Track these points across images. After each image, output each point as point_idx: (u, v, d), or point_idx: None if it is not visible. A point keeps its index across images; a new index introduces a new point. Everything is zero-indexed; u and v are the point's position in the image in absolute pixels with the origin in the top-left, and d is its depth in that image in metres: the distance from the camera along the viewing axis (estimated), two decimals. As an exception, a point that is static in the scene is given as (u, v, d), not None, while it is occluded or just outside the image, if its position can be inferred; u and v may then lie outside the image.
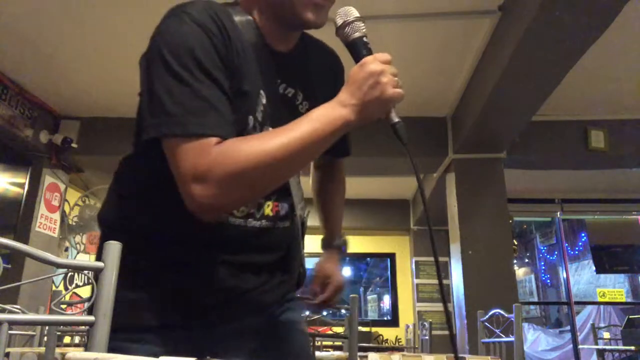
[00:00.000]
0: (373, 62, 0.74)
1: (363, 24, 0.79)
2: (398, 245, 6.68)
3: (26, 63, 3.47)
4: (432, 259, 6.17)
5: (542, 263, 8.36)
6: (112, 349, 0.67)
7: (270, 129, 0.83)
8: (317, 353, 1.75)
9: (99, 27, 3.02)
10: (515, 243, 6.57)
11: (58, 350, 1.35)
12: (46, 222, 4.14)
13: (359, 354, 2.10)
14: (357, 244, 6.79)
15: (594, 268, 6.85)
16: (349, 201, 5.65)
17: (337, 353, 2.63)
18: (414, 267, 6.24)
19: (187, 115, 0.70)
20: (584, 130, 4.01)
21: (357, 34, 0.78)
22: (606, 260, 6.63)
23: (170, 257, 0.82)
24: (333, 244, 1.13)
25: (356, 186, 5.88)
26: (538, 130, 3.94)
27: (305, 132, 0.71)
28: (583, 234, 7.47)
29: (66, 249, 4.88)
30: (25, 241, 3.85)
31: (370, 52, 0.77)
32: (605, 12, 2.26)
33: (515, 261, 6.83)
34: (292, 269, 0.98)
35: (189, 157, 0.69)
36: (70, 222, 4.74)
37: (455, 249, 3.86)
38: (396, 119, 0.76)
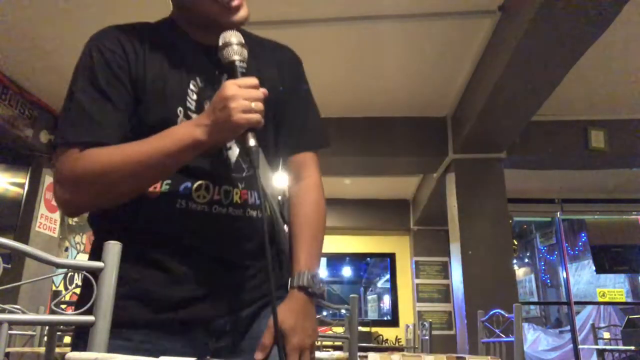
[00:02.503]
0: (228, 87, 0.75)
1: (242, 49, 0.82)
2: (398, 245, 6.68)
3: (26, 63, 3.47)
4: (432, 259, 6.18)
5: (542, 263, 8.37)
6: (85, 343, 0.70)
7: None
8: (317, 353, 1.75)
9: (99, 28, 3.01)
10: (515, 243, 6.57)
11: (58, 350, 1.35)
12: (46, 222, 4.14)
13: (359, 354, 2.10)
14: (357, 244, 6.80)
15: (594, 268, 6.85)
16: (350, 201, 5.68)
17: (337, 353, 2.63)
18: (414, 267, 6.24)
19: (66, 128, 0.81)
20: (584, 130, 4.02)
21: (233, 57, 0.81)
22: (606, 260, 6.63)
23: (138, 250, 0.81)
24: (295, 283, 0.87)
25: (356, 186, 5.88)
26: (538, 130, 3.94)
27: (153, 147, 0.76)
28: (583, 234, 7.47)
29: (66, 249, 4.88)
30: (25, 241, 3.85)
31: (242, 75, 0.80)
32: (605, 12, 2.26)
33: (515, 261, 6.83)
34: (274, 263, 0.93)
35: (58, 162, 0.80)
36: (70, 222, 4.74)
37: (455, 249, 3.86)
38: (251, 143, 0.76)
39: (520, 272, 8.50)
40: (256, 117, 0.75)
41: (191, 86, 0.87)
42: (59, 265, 0.65)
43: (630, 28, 2.92)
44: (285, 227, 0.94)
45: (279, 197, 0.96)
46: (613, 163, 4.21)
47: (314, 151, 1.02)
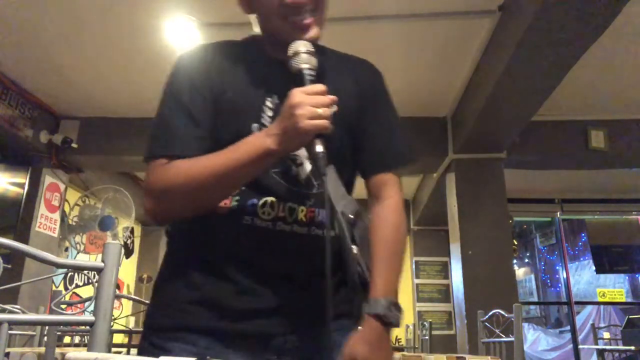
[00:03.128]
0: (295, 94, 0.76)
1: (311, 57, 0.83)
2: (398, 245, 6.67)
3: (26, 63, 3.47)
4: (432, 258, 6.18)
5: (542, 263, 8.37)
6: (151, 345, 0.81)
7: None
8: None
9: (99, 28, 3.02)
10: (515, 243, 6.57)
11: (58, 350, 1.35)
12: (46, 222, 4.14)
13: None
14: (357, 244, 6.79)
15: (594, 268, 6.85)
16: (349, 201, 5.60)
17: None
18: (414, 267, 6.24)
19: (152, 141, 0.86)
20: (584, 130, 4.02)
21: (302, 65, 0.81)
22: (606, 260, 6.63)
23: (208, 262, 0.86)
24: (370, 310, 0.82)
25: (356, 186, 5.88)
26: (538, 130, 3.94)
27: (227, 158, 0.80)
28: (583, 234, 7.47)
29: (66, 249, 4.88)
30: (25, 241, 3.85)
31: (311, 83, 0.80)
32: (605, 12, 2.26)
33: (515, 261, 6.83)
34: (339, 285, 0.90)
35: (147, 175, 0.85)
36: (70, 222, 4.74)
37: (455, 249, 3.86)
38: (318, 149, 0.76)
39: (520, 272, 8.50)
40: (323, 123, 0.75)
41: (267, 102, 0.88)
42: (59, 265, 0.65)
43: (630, 28, 2.92)
44: (354, 248, 0.88)
45: (351, 216, 0.89)
46: (613, 163, 4.20)
47: (395, 170, 0.98)
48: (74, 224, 4.76)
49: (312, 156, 0.77)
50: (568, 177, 5.15)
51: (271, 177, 0.87)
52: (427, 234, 6.23)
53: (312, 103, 0.75)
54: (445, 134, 4.10)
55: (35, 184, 4.08)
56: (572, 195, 5.97)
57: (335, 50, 1.02)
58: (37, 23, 3.01)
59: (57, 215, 4.28)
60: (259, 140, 0.79)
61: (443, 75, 3.54)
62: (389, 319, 0.81)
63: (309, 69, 0.81)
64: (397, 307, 0.83)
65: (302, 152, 0.88)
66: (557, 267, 7.31)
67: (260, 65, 0.92)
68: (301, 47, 0.82)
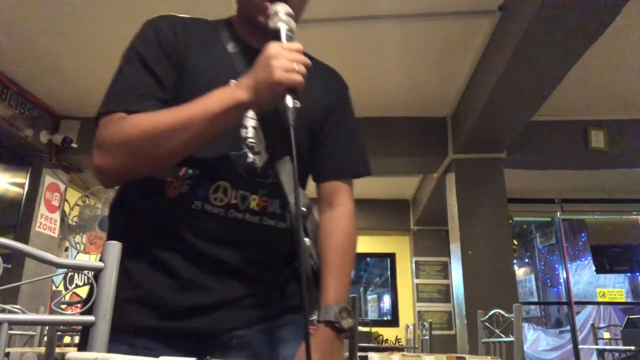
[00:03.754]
0: (272, 46, 0.76)
1: (290, 19, 0.82)
2: (398, 245, 6.68)
3: (26, 63, 3.47)
4: (432, 259, 6.17)
5: (542, 263, 8.36)
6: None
7: (248, 117, 0.86)
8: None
9: (99, 28, 3.02)
10: (515, 243, 6.57)
11: (58, 350, 1.35)
12: (46, 222, 4.14)
13: (359, 354, 2.10)
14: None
15: (594, 268, 6.85)
16: (349, 201, 5.52)
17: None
18: (414, 267, 6.24)
19: (111, 97, 0.82)
20: (584, 130, 4.02)
21: (281, 25, 0.80)
22: (606, 260, 6.63)
23: (149, 251, 0.81)
24: (322, 317, 0.83)
25: (356, 186, 5.87)
26: (538, 130, 3.94)
27: (195, 109, 0.75)
28: (583, 234, 7.47)
29: (66, 249, 4.88)
30: (25, 241, 3.85)
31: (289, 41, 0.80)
32: (605, 12, 2.26)
33: (515, 261, 6.83)
34: (298, 285, 0.91)
35: (99, 129, 0.80)
36: (70, 222, 4.74)
37: (455, 249, 3.86)
38: (289, 103, 0.74)
39: (520, 272, 8.50)
40: (298, 77, 0.74)
41: (231, 84, 0.85)
42: (59, 265, 0.65)
43: (631, 28, 2.92)
44: (307, 240, 0.91)
45: (304, 209, 0.92)
46: (613, 163, 4.20)
47: (350, 179, 1.00)
48: (74, 224, 4.76)
49: (283, 109, 0.75)
50: (568, 177, 5.14)
51: (227, 162, 0.83)
52: (427, 234, 6.23)
53: (289, 57, 0.75)
54: (445, 134, 4.10)
55: (35, 184, 4.08)
56: (572, 195, 5.97)
57: (307, 53, 1.02)
58: (38, 23, 3.01)
59: (57, 215, 4.28)
60: (230, 91, 0.76)
61: (443, 75, 3.54)
62: (340, 325, 0.82)
63: (288, 30, 0.80)
64: (348, 313, 0.83)
65: (260, 142, 0.86)
66: (557, 267, 7.31)
67: (230, 47, 0.90)
68: (280, 8, 0.81)
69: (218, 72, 0.86)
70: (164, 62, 0.83)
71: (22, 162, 4.09)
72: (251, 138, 0.85)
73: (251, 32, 0.92)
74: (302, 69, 0.75)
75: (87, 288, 0.72)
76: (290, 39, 0.79)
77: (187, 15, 0.92)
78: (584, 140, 4.00)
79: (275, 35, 0.79)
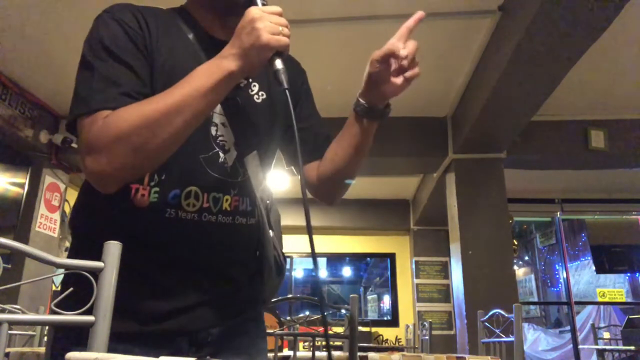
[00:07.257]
0: (253, 10, 0.74)
1: None
2: (398, 245, 6.68)
3: (26, 63, 3.47)
4: (432, 259, 6.17)
5: (542, 263, 8.36)
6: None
7: (216, 113, 0.85)
8: (317, 353, 1.75)
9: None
10: (515, 243, 6.57)
11: (58, 350, 1.34)
12: (46, 222, 4.14)
13: (359, 354, 2.10)
14: (357, 244, 6.80)
15: (594, 268, 6.85)
16: (350, 201, 5.65)
17: (337, 353, 2.63)
18: (414, 267, 6.24)
19: (91, 94, 0.74)
20: (584, 130, 4.01)
21: None
22: (606, 260, 6.64)
23: (124, 262, 0.74)
24: (370, 112, 0.91)
25: (356, 186, 5.87)
26: (538, 130, 3.94)
27: (186, 90, 0.72)
28: (583, 234, 7.47)
29: (66, 249, 4.88)
30: (25, 241, 3.85)
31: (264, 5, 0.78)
32: (605, 12, 2.26)
33: (515, 261, 6.83)
34: (262, 277, 0.90)
35: (84, 132, 0.73)
36: (70, 222, 4.74)
37: (455, 249, 3.86)
38: (278, 66, 0.73)
39: (520, 272, 8.50)
40: (285, 40, 0.73)
41: None
42: (59, 265, 0.65)
43: (631, 28, 2.91)
44: (271, 232, 0.91)
45: (267, 202, 0.93)
46: (613, 163, 4.20)
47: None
48: (74, 224, 4.76)
49: (273, 73, 0.74)
50: (568, 177, 5.14)
51: (197, 164, 0.82)
52: (427, 234, 6.23)
53: (272, 20, 0.73)
54: (445, 134, 4.10)
55: (35, 184, 4.08)
56: (572, 195, 5.97)
57: None
58: (38, 23, 3.01)
59: (57, 215, 4.28)
60: (215, 64, 0.73)
61: (443, 75, 3.54)
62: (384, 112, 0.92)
63: None
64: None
65: (230, 138, 0.86)
66: (557, 267, 7.31)
67: (191, 38, 0.88)
68: None
69: (187, 61, 0.82)
70: (136, 54, 0.79)
71: (22, 162, 4.09)
72: (221, 136, 0.85)
73: (210, 19, 0.90)
74: (287, 32, 0.74)
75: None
76: (265, 4, 0.77)
77: (143, 6, 0.88)
78: (584, 140, 4.00)
79: (249, 3, 0.77)
